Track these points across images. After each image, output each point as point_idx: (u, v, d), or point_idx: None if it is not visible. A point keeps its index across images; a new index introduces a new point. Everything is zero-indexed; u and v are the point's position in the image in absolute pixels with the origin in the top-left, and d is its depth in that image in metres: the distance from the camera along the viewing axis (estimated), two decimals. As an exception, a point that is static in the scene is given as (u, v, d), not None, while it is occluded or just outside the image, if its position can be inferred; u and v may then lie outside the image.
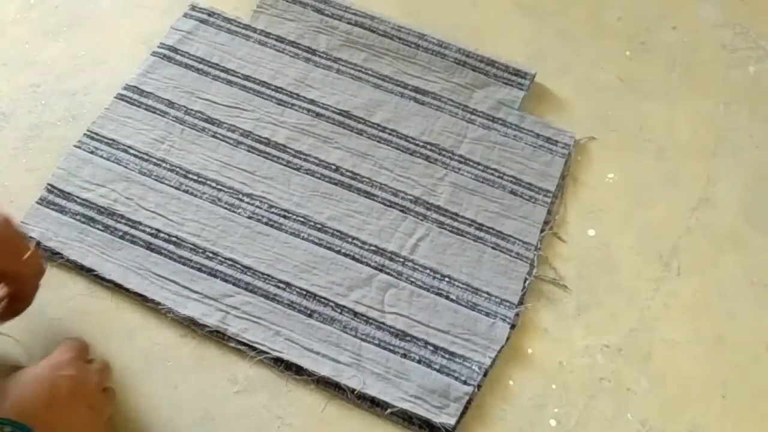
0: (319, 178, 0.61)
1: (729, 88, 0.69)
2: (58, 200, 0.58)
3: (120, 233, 0.57)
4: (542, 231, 0.60)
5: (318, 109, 0.65)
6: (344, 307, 0.56)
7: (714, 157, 0.65)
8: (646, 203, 0.63)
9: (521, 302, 0.57)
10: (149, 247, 0.57)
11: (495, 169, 0.63)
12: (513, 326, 0.56)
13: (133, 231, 0.57)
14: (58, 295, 0.55)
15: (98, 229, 0.57)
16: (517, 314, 0.56)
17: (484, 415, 0.53)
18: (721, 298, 0.58)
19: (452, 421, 0.51)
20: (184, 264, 0.56)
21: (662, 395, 0.54)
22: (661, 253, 0.60)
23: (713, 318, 0.57)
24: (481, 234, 0.60)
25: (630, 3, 0.74)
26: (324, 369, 0.53)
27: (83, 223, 0.58)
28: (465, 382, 0.53)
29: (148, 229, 0.58)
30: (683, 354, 0.56)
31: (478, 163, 0.63)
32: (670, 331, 0.57)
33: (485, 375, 0.53)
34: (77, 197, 0.59)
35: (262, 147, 0.62)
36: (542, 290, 0.58)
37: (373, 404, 0.52)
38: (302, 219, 0.59)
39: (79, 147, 0.61)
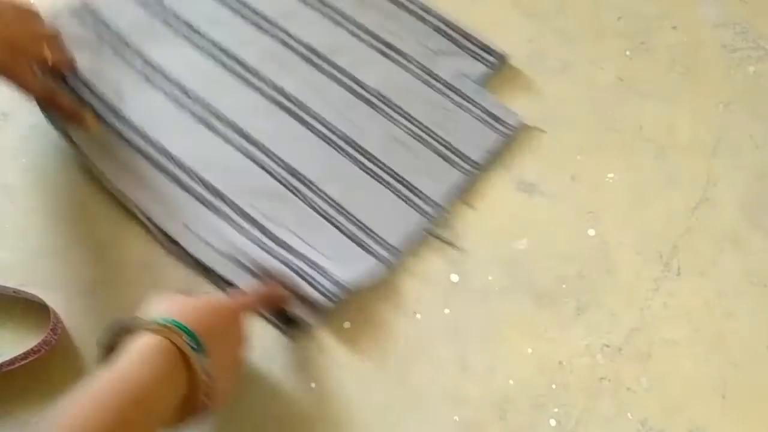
0: (268, 99, 0.65)
1: (729, 88, 0.69)
2: None
3: None
4: (457, 198, 0.61)
5: (291, 42, 0.68)
6: (238, 206, 0.59)
7: (714, 157, 0.65)
8: (646, 203, 0.63)
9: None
10: None
11: (432, 131, 0.64)
12: (388, 268, 0.57)
13: None
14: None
15: None
16: (395, 259, 0.58)
17: (483, 415, 0.53)
18: (721, 298, 0.58)
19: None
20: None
21: (662, 395, 0.54)
22: (661, 253, 0.60)
23: (713, 318, 0.57)
24: (398, 185, 0.61)
25: (630, 3, 0.74)
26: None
27: None
28: (324, 294, 0.55)
29: None
30: (683, 354, 0.56)
31: (420, 123, 0.64)
32: (670, 331, 0.57)
33: (342, 292, 0.55)
34: None
35: (229, 62, 0.66)
36: (542, 290, 0.58)
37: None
38: (237, 128, 0.63)
39: None
